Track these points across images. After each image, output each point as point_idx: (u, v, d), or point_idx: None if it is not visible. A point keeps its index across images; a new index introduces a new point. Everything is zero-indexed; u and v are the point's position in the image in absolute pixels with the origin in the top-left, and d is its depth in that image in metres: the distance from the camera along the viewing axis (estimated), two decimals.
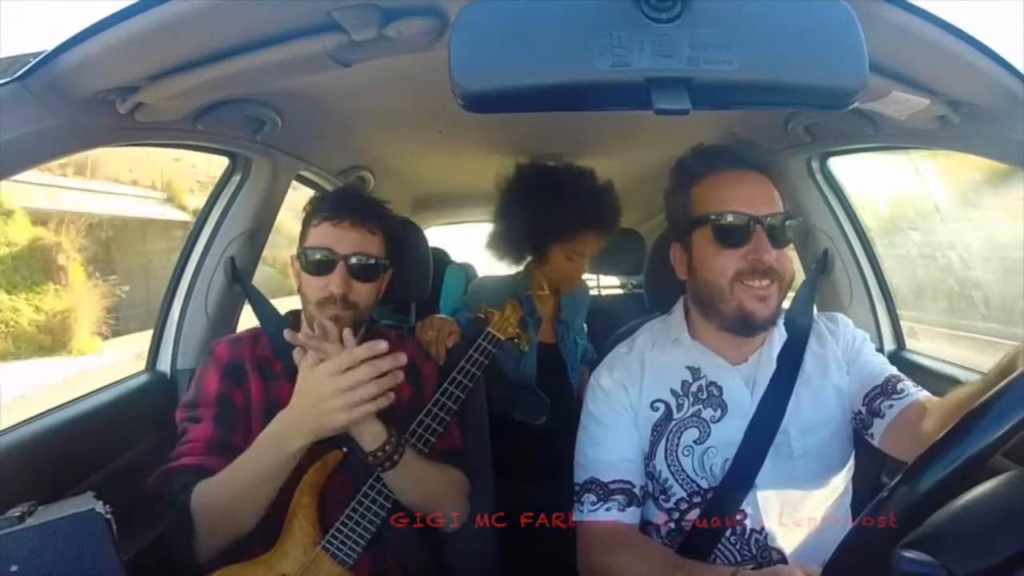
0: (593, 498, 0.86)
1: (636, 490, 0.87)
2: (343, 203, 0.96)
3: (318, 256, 0.92)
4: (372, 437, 0.83)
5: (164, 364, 1.22)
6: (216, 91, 0.83)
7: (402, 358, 0.79)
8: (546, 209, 1.37)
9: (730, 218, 0.81)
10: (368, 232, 0.94)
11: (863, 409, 0.85)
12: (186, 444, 0.89)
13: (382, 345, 0.78)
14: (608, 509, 0.85)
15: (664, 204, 0.94)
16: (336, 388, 0.77)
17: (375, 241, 0.95)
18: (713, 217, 0.82)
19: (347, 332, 0.85)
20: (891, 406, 0.82)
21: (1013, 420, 0.41)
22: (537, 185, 1.41)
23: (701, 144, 0.90)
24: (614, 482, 0.86)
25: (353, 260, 0.91)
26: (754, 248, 0.80)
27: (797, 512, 0.83)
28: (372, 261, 0.93)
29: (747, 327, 0.83)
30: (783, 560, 0.82)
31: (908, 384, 0.84)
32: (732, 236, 0.81)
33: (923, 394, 0.83)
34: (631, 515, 0.86)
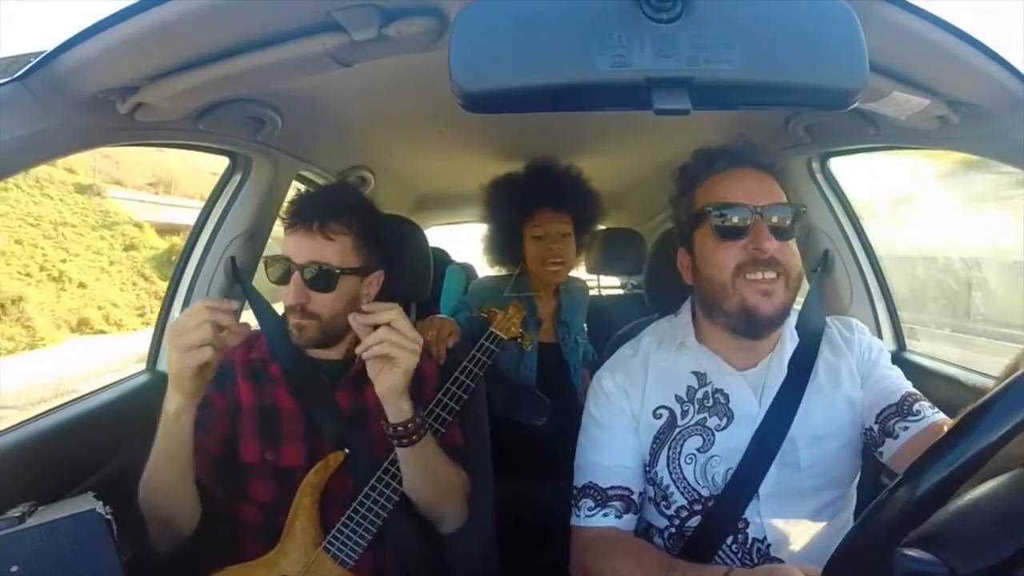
0: (591, 503, 0.85)
1: (635, 497, 0.86)
2: (299, 210, 0.93)
3: (275, 265, 0.91)
4: (399, 411, 0.83)
5: (164, 364, 1.21)
6: (216, 91, 0.83)
7: (232, 304, 0.78)
8: (510, 197, 1.50)
9: (728, 210, 0.80)
10: (324, 239, 0.89)
11: (875, 427, 0.83)
12: None
13: (233, 304, 0.78)
14: (605, 515, 0.84)
15: (671, 210, 0.93)
16: (173, 330, 0.77)
17: (333, 248, 0.90)
18: (711, 210, 0.81)
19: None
20: (906, 428, 0.79)
21: (1013, 421, 0.40)
22: (506, 184, 1.54)
23: (704, 147, 0.89)
24: (612, 488, 0.85)
25: (307, 269, 0.89)
26: (754, 238, 0.79)
27: (800, 523, 0.82)
28: (328, 269, 0.89)
29: (752, 326, 0.81)
30: None
31: (924, 405, 0.81)
32: (731, 228, 0.80)
33: (939, 416, 0.80)
34: (627, 522, 0.85)
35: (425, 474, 0.89)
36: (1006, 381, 0.44)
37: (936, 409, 0.82)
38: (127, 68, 0.68)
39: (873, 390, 0.85)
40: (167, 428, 0.79)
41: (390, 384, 0.81)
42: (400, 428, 0.83)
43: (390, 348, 0.80)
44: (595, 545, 0.84)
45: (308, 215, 0.91)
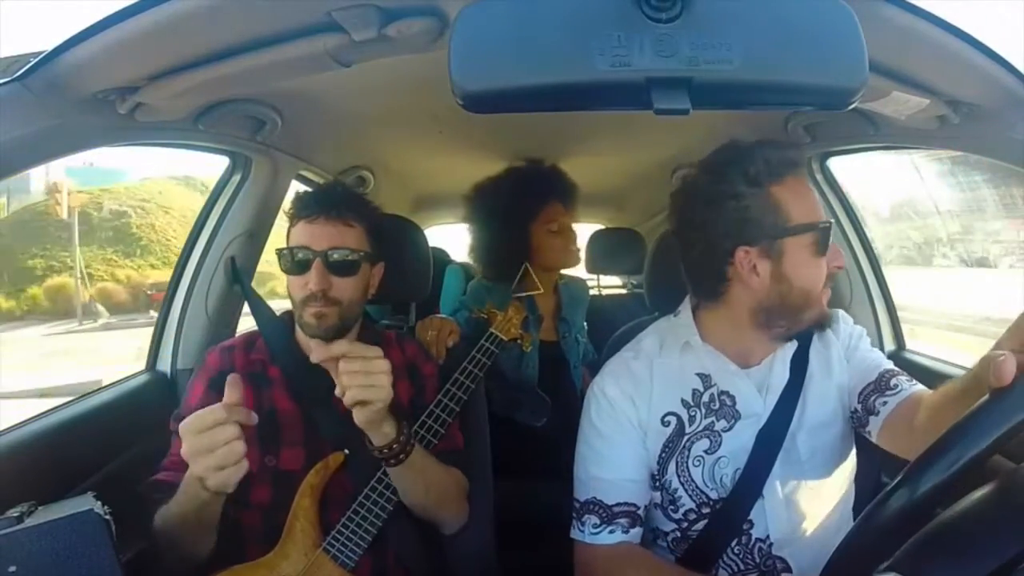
0: (596, 520, 0.83)
1: (640, 511, 0.84)
2: (316, 200, 0.95)
3: (295, 254, 0.92)
4: (382, 435, 0.82)
5: (164, 364, 1.22)
6: (216, 91, 0.83)
7: (253, 417, 0.71)
8: (515, 196, 1.48)
9: (824, 227, 0.80)
10: (344, 225, 0.93)
11: (859, 407, 0.84)
12: (167, 459, 0.89)
13: (218, 414, 0.70)
14: (612, 532, 0.83)
15: (716, 195, 0.81)
16: (195, 450, 0.69)
17: (352, 234, 0.94)
18: (811, 225, 0.79)
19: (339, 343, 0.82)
20: (885, 403, 0.81)
21: (985, 442, 0.40)
22: (496, 187, 1.53)
23: (767, 140, 0.83)
24: (618, 505, 0.83)
25: (330, 255, 0.91)
26: (835, 255, 0.81)
27: (803, 522, 0.82)
28: (349, 254, 0.92)
29: (821, 327, 0.85)
30: (787, 568, 0.81)
31: (902, 379, 0.83)
32: (825, 245, 0.81)
33: (917, 388, 0.81)
34: (634, 535, 0.84)
35: (417, 485, 0.89)
36: (978, 403, 0.43)
37: (914, 381, 0.83)
38: (127, 68, 0.68)
39: (855, 372, 0.87)
40: (196, 512, 0.74)
41: (369, 418, 0.80)
42: (386, 450, 0.82)
43: (360, 392, 0.76)
44: (606, 564, 0.83)
45: (326, 204, 0.94)
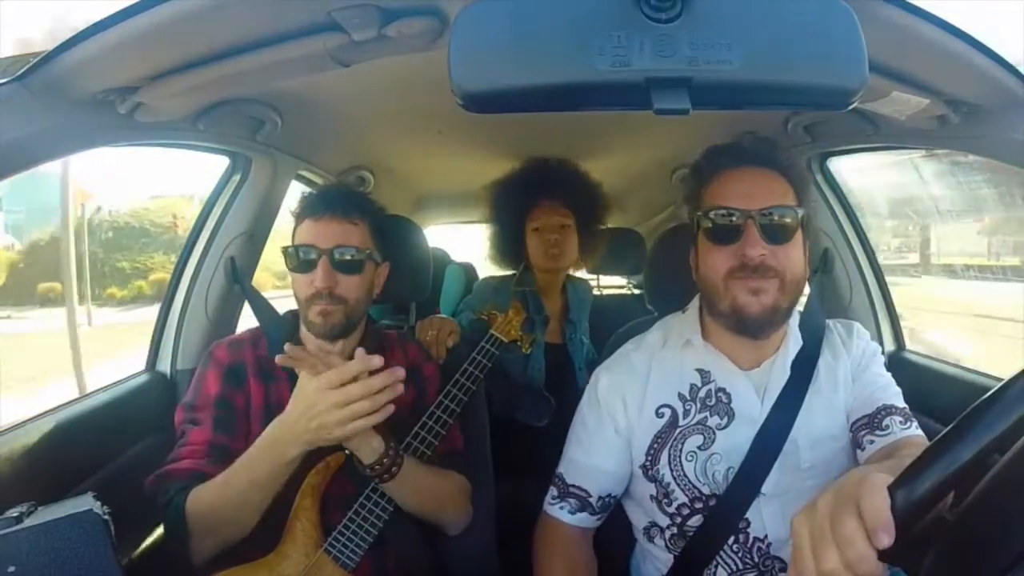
0: (555, 492, 0.91)
1: (592, 500, 0.88)
2: (322, 199, 0.97)
3: (301, 253, 0.93)
4: (370, 450, 0.82)
5: (164, 364, 1.22)
6: (216, 91, 0.83)
7: (399, 372, 0.79)
8: (510, 195, 1.51)
9: (720, 214, 0.80)
10: (350, 224, 0.94)
11: (851, 435, 0.83)
12: (185, 447, 0.88)
13: (376, 360, 0.77)
14: (561, 508, 0.89)
15: (684, 208, 0.93)
16: (331, 403, 0.77)
17: (357, 232, 0.94)
18: (703, 215, 0.82)
19: (334, 357, 0.84)
20: (872, 442, 0.79)
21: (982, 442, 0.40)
22: (504, 183, 1.55)
23: (712, 145, 0.88)
24: (573, 486, 0.89)
25: (335, 253, 0.92)
26: (743, 244, 0.79)
27: None
28: (355, 252, 0.93)
29: (742, 324, 0.81)
30: (785, 569, 0.80)
31: (896, 419, 0.80)
32: (722, 233, 0.80)
33: (907, 433, 0.78)
34: (580, 520, 0.89)
35: (414, 496, 0.89)
36: (976, 403, 0.43)
37: (909, 424, 0.80)
38: (127, 68, 0.68)
39: (857, 397, 0.85)
40: (278, 467, 0.81)
41: (356, 433, 0.81)
42: (377, 467, 0.83)
43: (365, 421, 0.78)
44: (543, 529, 0.91)
45: (332, 203, 0.95)
